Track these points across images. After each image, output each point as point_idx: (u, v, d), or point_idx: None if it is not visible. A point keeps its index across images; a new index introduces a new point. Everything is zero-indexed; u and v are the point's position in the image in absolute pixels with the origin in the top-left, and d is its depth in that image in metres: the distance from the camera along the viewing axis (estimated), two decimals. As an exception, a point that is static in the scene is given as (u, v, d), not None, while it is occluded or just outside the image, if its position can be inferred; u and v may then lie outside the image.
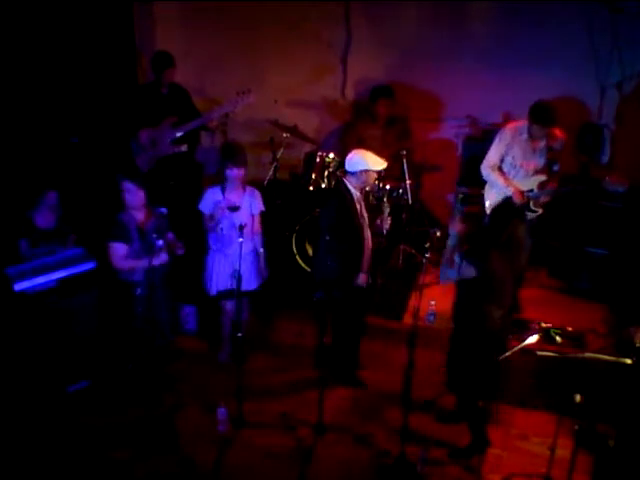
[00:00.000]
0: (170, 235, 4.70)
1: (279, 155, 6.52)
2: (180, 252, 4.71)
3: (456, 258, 4.05)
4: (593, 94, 6.20)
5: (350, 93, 7.01)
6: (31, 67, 5.90)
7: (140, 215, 4.62)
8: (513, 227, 3.91)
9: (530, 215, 5.33)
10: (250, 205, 4.90)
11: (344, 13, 6.70)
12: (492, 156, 5.40)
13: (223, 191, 4.81)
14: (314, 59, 6.91)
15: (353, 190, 4.68)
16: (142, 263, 4.50)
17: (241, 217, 4.76)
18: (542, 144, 5.28)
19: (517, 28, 6.28)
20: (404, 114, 6.69)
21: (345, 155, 6.12)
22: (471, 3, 6.33)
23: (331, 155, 6.16)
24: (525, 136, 5.29)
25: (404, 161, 6.09)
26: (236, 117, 6.46)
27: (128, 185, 4.53)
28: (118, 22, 6.57)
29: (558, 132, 5.28)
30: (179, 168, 6.15)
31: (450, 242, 4.13)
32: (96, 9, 6.27)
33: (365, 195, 5.08)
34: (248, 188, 4.91)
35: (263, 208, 4.99)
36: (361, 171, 4.63)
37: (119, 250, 4.56)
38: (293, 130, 6.49)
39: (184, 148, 6.14)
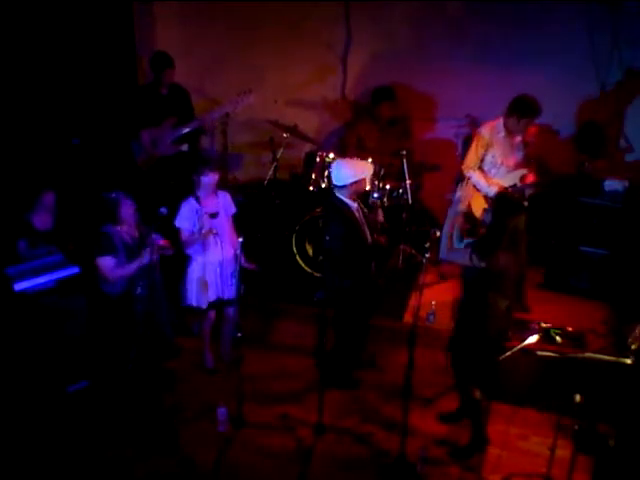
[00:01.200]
0: (155, 237, 4.60)
1: (279, 155, 6.52)
2: (168, 252, 4.71)
3: (456, 240, 4.10)
4: (593, 94, 6.20)
5: (350, 93, 7.00)
6: (32, 68, 5.90)
7: (125, 228, 4.62)
8: (515, 220, 3.95)
9: None
10: (225, 209, 4.91)
11: (344, 13, 6.70)
12: (472, 157, 5.43)
13: (198, 200, 4.79)
14: (314, 59, 6.91)
15: (349, 202, 4.65)
16: (133, 266, 4.51)
17: (220, 222, 4.80)
18: (518, 139, 5.37)
19: (517, 28, 6.28)
20: (404, 114, 6.69)
21: (345, 155, 6.17)
22: (471, 3, 6.33)
23: (331, 155, 6.16)
24: (502, 134, 5.34)
25: (404, 161, 6.09)
26: (236, 117, 6.47)
27: (125, 200, 4.56)
28: (118, 22, 6.57)
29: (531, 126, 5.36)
30: (179, 168, 6.15)
31: (450, 212, 4.19)
32: (96, 9, 6.27)
33: (364, 195, 5.09)
34: (219, 192, 4.92)
35: (235, 209, 4.99)
36: (351, 183, 4.60)
37: (108, 263, 4.54)
38: (293, 130, 6.49)
39: (185, 147, 6.15)
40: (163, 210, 4.61)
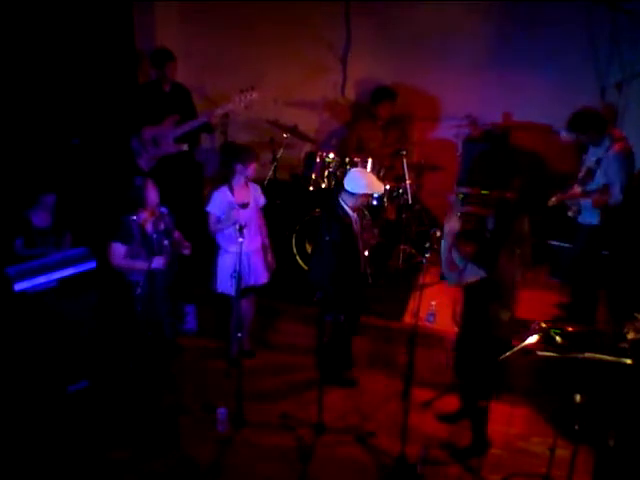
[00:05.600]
0: (177, 234, 4.75)
1: (279, 155, 6.52)
2: (186, 252, 4.75)
3: (457, 261, 4.04)
4: (593, 94, 6.20)
5: (350, 93, 7.01)
6: (31, 68, 5.89)
7: (146, 215, 4.62)
8: (519, 224, 3.93)
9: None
10: (256, 200, 4.99)
11: (344, 13, 6.71)
12: None
13: (232, 190, 4.84)
14: (314, 59, 6.91)
15: (349, 212, 4.65)
16: (140, 264, 4.53)
17: (250, 213, 4.85)
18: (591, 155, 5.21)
19: (517, 28, 6.28)
20: (404, 114, 6.69)
21: (345, 155, 6.16)
22: (471, 3, 6.33)
23: (331, 155, 6.15)
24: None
25: (404, 161, 6.09)
26: (236, 117, 6.48)
27: (150, 183, 4.58)
28: (118, 22, 6.57)
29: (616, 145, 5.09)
30: (180, 168, 6.15)
31: (444, 242, 4.12)
32: (96, 9, 6.27)
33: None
34: (250, 184, 4.97)
35: (265, 201, 5.08)
36: (361, 194, 4.61)
37: (119, 250, 4.55)
38: (293, 130, 6.49)
39: (185, 147, 6.14)
40: (163, 210, 4.62)
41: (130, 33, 6.73)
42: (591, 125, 5.07)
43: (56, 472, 4.17)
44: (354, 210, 4.70)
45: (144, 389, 4.69)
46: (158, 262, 4.54)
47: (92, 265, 4.82)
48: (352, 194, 4.61)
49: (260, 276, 5.04)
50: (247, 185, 4.93)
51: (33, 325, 4.58)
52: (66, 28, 6.08)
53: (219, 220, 4.82)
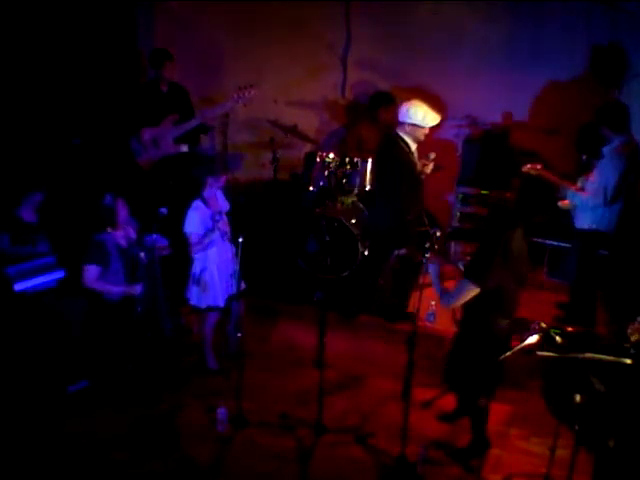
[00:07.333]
0: (156, 238, 4.67)
1: (279, 155, 6.52)
2: (166, 252, 4.75)
3: (442, 299, 4.09)
4: (593, 94, 6.19)
5: (350, 93, 7.01)
6: (33, 69, 5.90)
7: (120, 233, 4.68)
8: (508, 236, 3.85)
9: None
10: (223, 207, 4.94)
11: (344, 13, 6.71)
12: None
13: (205, 202, 4.80)
14: (314, 59, 6.92)
15: (409, 141, 4.75)
16: (115, 289, 4.61)
17: (223, 220, 4.83)
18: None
19: (517, 28, 6.29)
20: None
21: (345, 155, 6.17)
22: (471, 3, 6.33)
23: (331, 155, 6.14)
24: None
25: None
26: (236, 117, 6.48)
27: (121, 202, 4.62)
28: (120, 23, 6.58)
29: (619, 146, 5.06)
30: (179, 168, 6.15)
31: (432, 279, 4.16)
32: (98, 10, 6.27)
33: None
34: (217, 192, 4.94)
35: (229, 206, 5.04)
36: (408, 123, 4.73)
37: (92, 272, 4.59)
38: (293, 130, 6.49)
39: (184, 148, 6.14)
40: (163, 210, 4.62)
41: (132, 33, 6.75)
42: (604, 120, 5.05)
43: (56, 472, 4.16)
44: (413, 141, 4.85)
45: (144, 389, 4.69)
46: (137, 289, 4.58)
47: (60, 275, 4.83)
48: (402, 123, 4.74)
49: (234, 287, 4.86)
50: (214, 194, 4.87)
51: (33, 325, 4.58)
52: (68, 28, 6.09)
53: (203, 237, 4.74)
